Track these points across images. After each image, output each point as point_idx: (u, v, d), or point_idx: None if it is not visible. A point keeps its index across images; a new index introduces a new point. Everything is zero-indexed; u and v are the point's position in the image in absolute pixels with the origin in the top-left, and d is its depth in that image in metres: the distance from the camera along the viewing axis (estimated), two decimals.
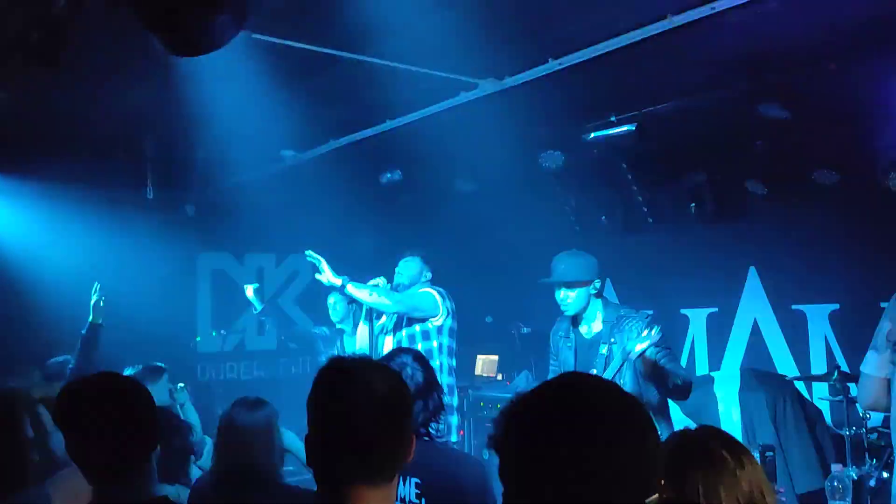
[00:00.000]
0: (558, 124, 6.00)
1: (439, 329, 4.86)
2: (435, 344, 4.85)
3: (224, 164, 6.73)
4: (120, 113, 5.52)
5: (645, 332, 3.82)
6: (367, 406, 1.59)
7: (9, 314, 6.35)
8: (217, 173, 7.06)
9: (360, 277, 6.67)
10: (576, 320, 4.31)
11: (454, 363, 4.98)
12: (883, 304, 3.29)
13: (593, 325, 4.22)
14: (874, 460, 4.69)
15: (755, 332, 6.62)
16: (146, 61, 4.35)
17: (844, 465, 4.52)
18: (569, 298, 4.20)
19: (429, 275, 5.12)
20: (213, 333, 6.19)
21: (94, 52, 4.26)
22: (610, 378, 3.95)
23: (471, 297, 7.55)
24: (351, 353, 1.96)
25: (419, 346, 4.82)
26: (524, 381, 7.73)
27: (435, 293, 4.91)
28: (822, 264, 6.06)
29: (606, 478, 1.07)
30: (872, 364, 2.73)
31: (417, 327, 4.86)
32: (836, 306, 6.10)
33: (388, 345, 4.97)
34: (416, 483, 2.34)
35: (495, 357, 8.23)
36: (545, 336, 8.34)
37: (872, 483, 4.48)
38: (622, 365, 3.92)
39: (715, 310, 6.99)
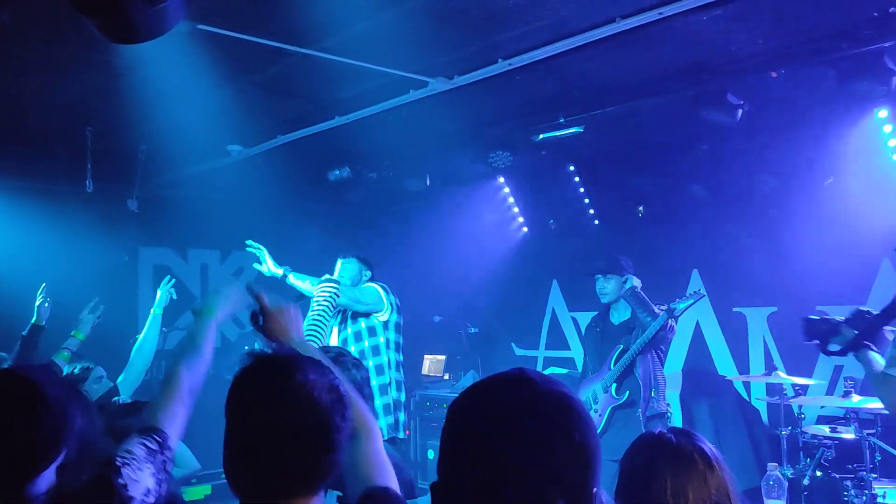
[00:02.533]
0: (508, 125, 6.02)
1: (385, 324, 4.85)
2: (381, 339, 4.83)
3: (168, 157, 6.57)
4: (58, 102, 5.35)
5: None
6: (305, 409, 1.44)
7: None
8: (161, 167, 6.90)
9: (306, 273, 6.60)
10: (609, 310, 5.06)
11: (401, 358, 4.97)
12: (819, 307, 3.38)
13: (622, 314, 4.97)
14: (808, 459, 4.81)
15: (697, 333, 6.74)
16: (85, 49, 4.22)
17: (780, 464, 4.64)
18: (603, 286, 4.97)
19: (368, 273, 5.11)
20: (159, 331, 6.00)
21: (30, 38, 4.13)
22: (617, 373, 4.73)
23: (419, 296, 7.55)
24: (274, 349, 1.81)
25: (365, 343, 4.80)
26: (471, 382, 7.74)
27: (378, 287, 4.90)
28: (762, 268, 6.21)
29: (518, 475, 1.06)
30: None
31: (363, 323, 4.83)
32: (775, 308, 6.25)
33: (333, 341, 4.92)
34: (338, 497, 2.14)
35: (442, 357, 8.23)
36: (493, 336, 8.41)
37: (806, 481, 4.60)
38: (630, 364, 4.70)
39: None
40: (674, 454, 1.67)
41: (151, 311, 4.51)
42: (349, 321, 4.88)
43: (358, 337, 4.81)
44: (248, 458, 1.46)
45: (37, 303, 4.61)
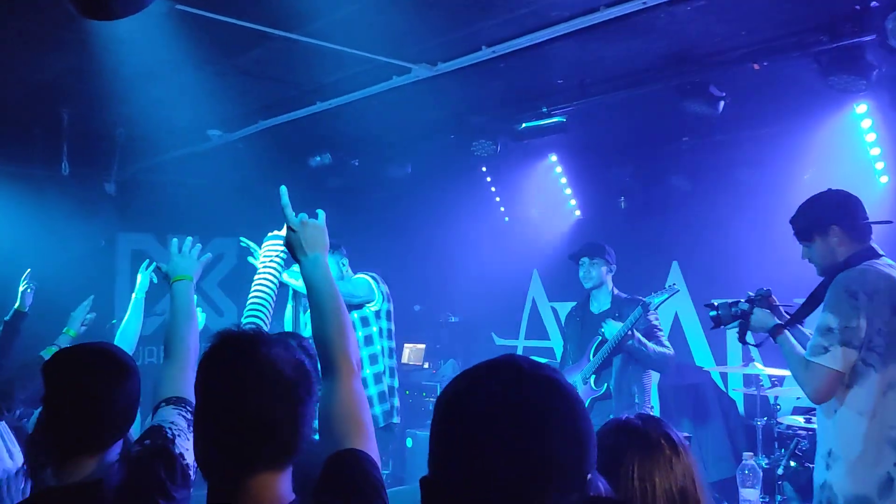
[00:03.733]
0: (491, 113, 6.01)
1: (377, 314, 4.82)
2: (374, 329, 4.82)
3: (147, 141, 6.50)
4: (32, 82, 5.26)
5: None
6: (270, 382, 1.45)
7: None
8: (140, 150, 6.82)
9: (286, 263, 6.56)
10: (589, 299, 5.02)
11: (393, 344, 4.96)
12: (797, 300, 3.42)
13: (602, 303, 4.93)
14: (783, 450, 4.86)
15: (676, 324, 6.78)
16: (62, 28, 4.15)
17: (755, 454, 4.68)
18: (588, 270, 4.91)
19: (345, 260, 5.03)
20: (142, 315, 5.95)
21: (4, 17, 4.05)
22: (596, 364, 4.72)
23: (399, 284, 7.51)
24: (241, 326, 1.83)
25: (359, 333, 4.76)
26: (450, 370, 7.76)
27: (369, 278, 4.86)
28: (741, 260, 6.24)
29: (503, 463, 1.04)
30: (837, 358, 2.79)
31: (355, 314, 4.79)
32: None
33: None
34: None
35: (422, 346, 8.23)
36: (473, 326, 8.42)
37: (781, 471, 4.65)
38: (609, 355, 4.67)
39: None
40: (640, 439, 1.68)
41: (133, 295, 4.45)
42: None
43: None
44: (214, 433, 1.48)
45: (20, 288, 4.55)
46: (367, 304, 4.82)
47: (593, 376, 4.76)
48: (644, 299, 4.66)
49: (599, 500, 1.10)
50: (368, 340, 4.78)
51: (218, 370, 1.50)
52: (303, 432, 1.49)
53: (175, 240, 2.70)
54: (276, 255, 4.05)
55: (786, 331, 3.13)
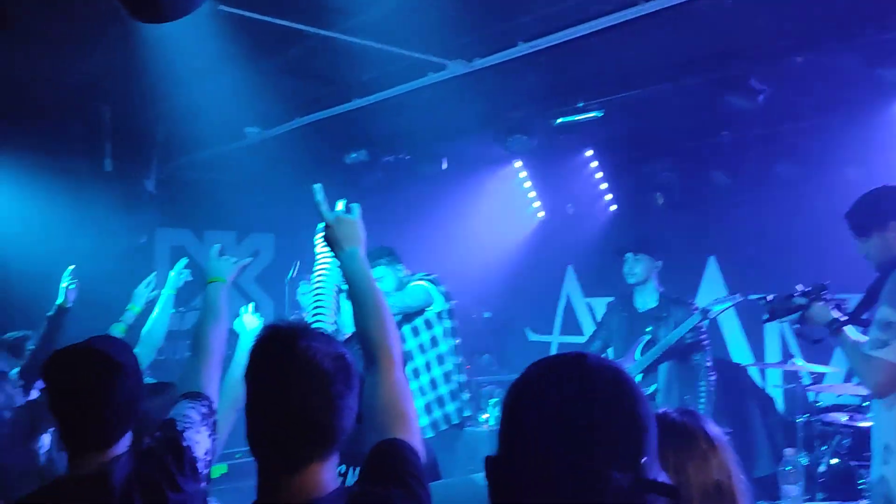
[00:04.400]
0: (526, 108, 5.99)
1: (439, 315, 4.75)
2: (439, 330, 4.75)
3: (186, 138, 6.59)
4: (77, 80, 5.36)
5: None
6: (309, 375, 1.49)
7: None
8: (179, 148, 6.92)
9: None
10: (633, 295, 4.86)
11: (459, 341, 4.90)
12: (840, 296, 3.37)
13: (648, 301, 4.79)
14: (824, 447, 4.79)
15: (712, 320, 6.68)
16: (105, 27, 4.22)
17: (796, 451, 4.61)
18: (632, 265, 4.75)
19: (400, 266, 4.97)
20: (172, 311, 6.05)
21: (50, 14, 4.13)
22: (643, 365, 4.63)
23: None
24: (288, 320, 1.85)
25: (425, 336, 4.73)
26: (486, 365, 7.77)
27: (425, 284, 4.74)
28: (782, 256, 6.15)
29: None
30: (893, 351, 2.79)
31: (418, 319, 4.74)
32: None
33: None
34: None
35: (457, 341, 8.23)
36: (507, 321, 8.41)
37: (822, 469, 4.59)
38: (659, 357, 4.58)
39: None
40: (676, 432, 1.67)
41: (163, 291, 4.51)
42: (403, 319, 4.82)
43: (416, 332, 4.74)
44: (260, 425, 1.53)
45: (64, 284, 4.64)
46: (428, 308, 4.81)
47: (640, 376, 4.71)
48: (703, 307, 4.56)
49: (651, 483, 1.13)
50: (434, 342, 4.74)
51: (261, 363, 1.55)
52: (343, 424, 1.53)
53: (217, 245, 2.77)
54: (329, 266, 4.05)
55: (845, 326, 3.08)
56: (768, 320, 3.34)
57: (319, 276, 3.83)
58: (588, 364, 1.17)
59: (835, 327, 3.07)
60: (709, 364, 4.66)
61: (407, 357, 4.63)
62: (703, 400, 4.60)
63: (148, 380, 3.60)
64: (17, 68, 5.04)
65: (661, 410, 1.76)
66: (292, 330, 1.57)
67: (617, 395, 1.14)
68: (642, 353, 4.70)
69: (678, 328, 4.53)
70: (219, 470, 6.68)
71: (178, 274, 4.41)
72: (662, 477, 1.17)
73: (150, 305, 4.50)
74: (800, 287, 3.26)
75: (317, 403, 1.50)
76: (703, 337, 4.69)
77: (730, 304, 4.59)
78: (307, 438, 1.50)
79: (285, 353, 1.53)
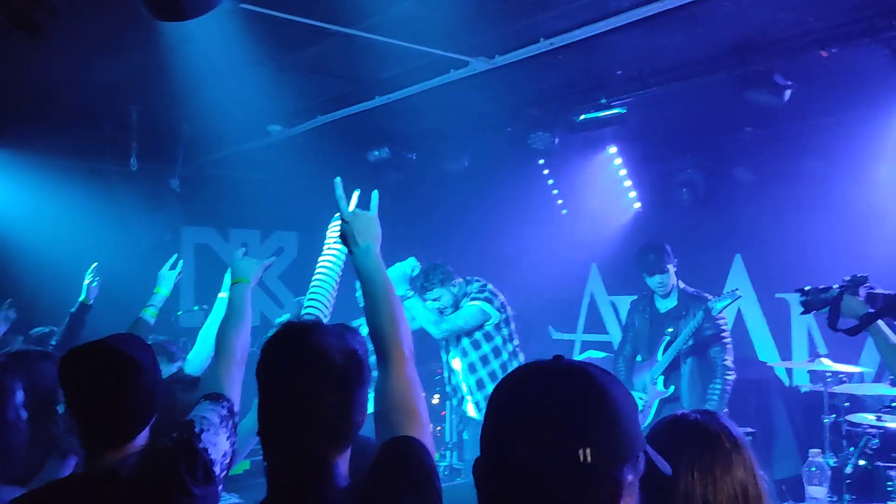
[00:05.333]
0: (549, 105, 5.97)
1: (497, 326, 4.82)
2: (498, 339, 4.82)
3: (210, 137, 6.65)
4: (104, 82, 5.43)
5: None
6: (319, 369, 1.51)
7: None
8: (203, 146, 6.98)
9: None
10: (654, 294, 5.03)
11: (517, 342, 4.96)
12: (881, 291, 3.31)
13: (669, 300, 4.93)
14: (851, 448, 4.72)
15: (738, 319, 6.64)
16: (131, 29, 4.27)
17: (823, 451, 4.55)
18: (664, 281, 4.90)
19: (455, 282, 4.92)
20: (196, 308, 6.12)
21: (76, 19, 4.18)
22: (664, 365, 4.66)
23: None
24: (300, 317, 1.85)
25: (486, 348, 4.79)
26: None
27: (479, 303, 4.79)
28: (809, 253, 6.07)
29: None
30: None
31: (477, 333, 4.81)
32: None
33: (455, 366, 4.94)
34: None
35: None
36: (529, 319, 8.37)
37: (849, 470, 4.52)
38: (677, 357, 4.64)
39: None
40: (699, 433, 1.64)
41: (220, 295, 4.46)
42: (463, 335, 4.85)
43: (476, 345, 4.80)
44: (271, 418, 1.55)
45: (86, 281, 4.69)
46: (486, 322, 4.82)
47: (661, 377, 4.68)
48: (707, 303, 4.56)
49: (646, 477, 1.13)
50: (497, 352, 4.80)
51: (272, 358, 1.57)
52: (354, 418, 1.54)
53: (241, 248, 2.78)
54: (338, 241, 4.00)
55: (879, 320, 3.02)
56: (804, 313, 3.28)
57: (322, 265, 3.84)
58: (562, 365, 1.17)
59: (867, 320, 3.01)
60: (726, 361, 4.61)
61: (470, 369, 4.72)
62: (714, 399, 4.53)
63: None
64: (47, 72, 5.12)
65: (679, 412, 1.73)
66: (305, 326, 1.59)
67: (590, 393, 1.13)
68: (662, 353, 4.69)
69: (688, 325, 4.52)
70: (241, 466, 6.74)
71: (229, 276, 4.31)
72: (662, 465, 1.17)
73: (176, 289, 4.49)
74: (847, 277, 3.19)
75: (329, 400, 1.51)
76: (723, 332, 4.66)
77: (729, 301, 4.58)
78: (318, 432, 1.51)
79: (297, 348, 1.54)
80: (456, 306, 4.85)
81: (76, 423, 1.93)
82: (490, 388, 4.58)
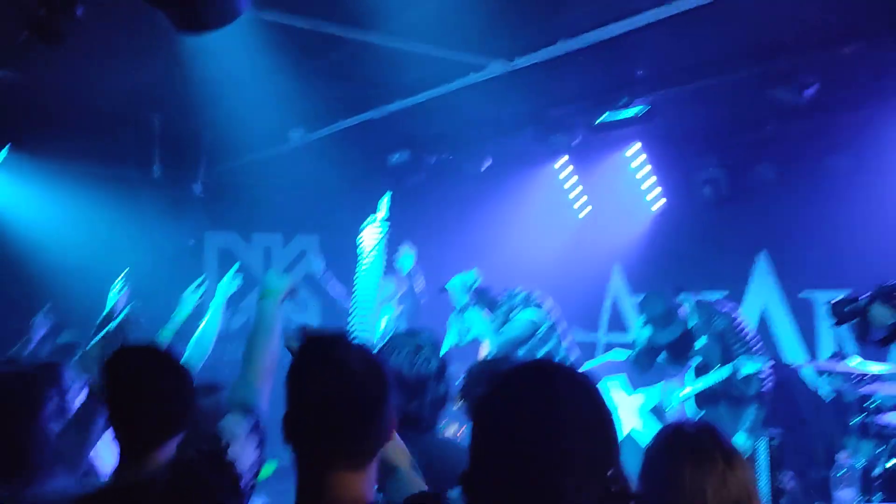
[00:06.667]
0: (569, 106, 5.94)
1: (550, 328, 4.96)
2: (553, 342, 4.95)
3: (232, 143, 6.70)
4: (127, 90, 5.50)
5: None
6: (341, 387, 1.53)
7: (14, 291, 6.37)
8: (225, 152, 7.04)
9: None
10: None
11: (566, 343, 5.08)
12: None
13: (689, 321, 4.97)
14: (881, 448, 4.66)
15: (763, 317, 6.57)
16: (153, 38, 4.31)
17: (850, 452, 4.50)
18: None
19: (500, 301, 5.08)
20: (220, 319, 6.15)
21: (100, 29, 4.23)
22: (695, 391, 4.70)
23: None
24: (326, 330, 1.88)
25: (541, 353, 4.90)
26: None
27: (530, 310, 4.95)
28: (834, 250, 5.99)
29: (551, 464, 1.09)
30: None
31: (532, 340, 4.94)
32: (847, 292, 6.02)
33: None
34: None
35: None
36: None
37: (878, 471, 4.46)
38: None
39: (723, 294, 6.95)
40: (693, 449, 1.63)
41: (214, 300, 4.52)
42: (519, 345, 4.95)
43: (532, 352, 4.92)
44: (296, 432, 1.57)
45: (114, 290, 4.71)
46: (538, 329, 4.93)
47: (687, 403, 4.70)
48: (736, 362, 4.47)
49: (619, 495, 1.11)
50: (552, 353, 4.92)
51: (297, 375, 1.59)
52: (378, 436, 1.56)
53: (271, 270, 2.85)
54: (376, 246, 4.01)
55: None
56: (835, 325, 3.24)
57: (358, 284, 3.87)
58: (551, 374, 1.16)
59: None
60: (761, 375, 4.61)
61: None
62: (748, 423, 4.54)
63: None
64: (71, 81, 5.19)
65: (675, 424, 1.71)
66: (329, 342, 1.61)
67: (581, 406, 1.13)
68: (693, 377, 4.71)
69: (713, 376, 4.52)
70: (269, 468, 6.79)
71: (230, 281, 4.40)
72: (629, 483, 1.16)
73: (197, 310, 4.50)
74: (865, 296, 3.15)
75: (352, 416, 1.53)
76: (750, 340, 4.62)
77: (760, 366, 4.54)
78: (340, 448, 1.53)
79: (322, 364, 1.57)
80: (507, 319, 5.02)
81: (113, 421, 1.96)
82: None
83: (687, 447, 1.64)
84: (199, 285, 4.46)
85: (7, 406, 2.30)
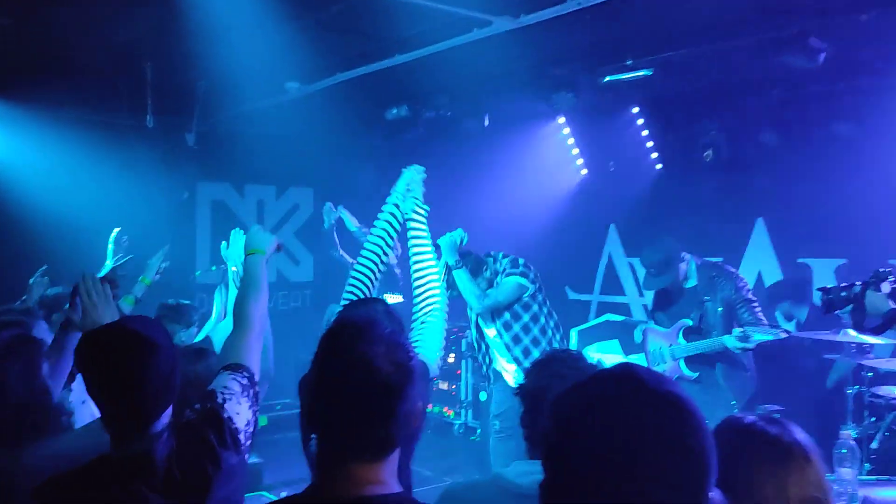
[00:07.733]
0: (573, 65, 5.83)
1: (533, 296, 4.96)
2: (536, 307, 4.97)
3: (227, 93, 6.56)
4: (120, 38, 5.34)
5: None
6: (360, 381, 1.50)
7: (4, 240, 6.28)
8: (219, 102, 6.89)
9: (360, 212, 6.57)
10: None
11: (549, 304, 5.10)
12: (892, 261, 3.22)
13: (689, 279, 4.82)
14: (873, 419, 4.68)
15: (759, 283, 6.57)
16: None
17: (847, 424, 4.50)
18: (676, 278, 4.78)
19: (485, 265, 5.06)
20: (213, 268, 6.09)
21: None
22: (687, 352, 4.63)
23: (473, 237, 7.46)
24: (360, 313, 1.82)
25: (525, 318, 4.94)
26: None
27: (516, 277, 4.93)
28: (832, 218, 5.96)
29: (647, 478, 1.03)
30: None
31: (516, 305, 4.96)
32: (844, 261, 6.02)
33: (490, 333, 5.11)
34: None
35: None
36: (546, 280, 8.31)
37: (875, 445, 4.48)
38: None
39: (719, 260, 6.93)
40: (772, 447, 1.57)
41: (233, 268, 4.34)
42: (504, 309, 4.97)
43: (517, 316, 4.95)
44: (317, 422, 1.57)
45: (110, 247, 4.64)
46: (524, 294, 4.94)
47: (682, 361, 4.65)
48: (745, 331, 4.36)
49: None
50: (535, 319, 4.96)
51: (319, 365, 1.57)
52: (397, 429, 1.52)
53: (257, 226, 2.77)
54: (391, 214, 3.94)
55: None
56: (827, 312, 3.19)
57: (371, 243, 3.83)
58: (640, 388, 1.09)
59: (892, 317, 2.90)
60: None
61: (515, 340, 4.94)
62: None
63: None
64: (63, 28, 5.03)
65: (745, 419, 1.65)
66: (354, 332, 1.57)
67: (670, 423, 1.06)
68: (684, 337, 4.67)
69: (715, 341, 4.47)
70: (259, 422, 6.81)
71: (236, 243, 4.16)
72: None
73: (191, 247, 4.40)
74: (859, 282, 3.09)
75: (372, 408, 1.51)
76: (753, 304, 4.57)
77: (771, 337, 4.29)
78: (361, 440, 1.51)
79: (343, 355, 1.54)
80: (491, 283, 5.02)
81: (100, 407, 1.90)
82: (536, 353, 4.74)
83: (764, 445, 1.58)
84: (162, 255, 4.32)
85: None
